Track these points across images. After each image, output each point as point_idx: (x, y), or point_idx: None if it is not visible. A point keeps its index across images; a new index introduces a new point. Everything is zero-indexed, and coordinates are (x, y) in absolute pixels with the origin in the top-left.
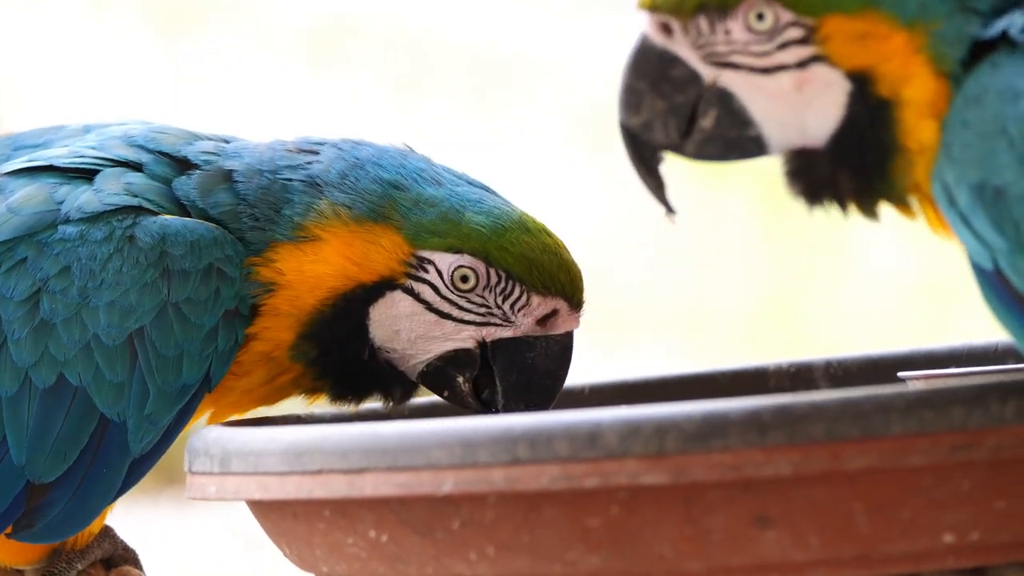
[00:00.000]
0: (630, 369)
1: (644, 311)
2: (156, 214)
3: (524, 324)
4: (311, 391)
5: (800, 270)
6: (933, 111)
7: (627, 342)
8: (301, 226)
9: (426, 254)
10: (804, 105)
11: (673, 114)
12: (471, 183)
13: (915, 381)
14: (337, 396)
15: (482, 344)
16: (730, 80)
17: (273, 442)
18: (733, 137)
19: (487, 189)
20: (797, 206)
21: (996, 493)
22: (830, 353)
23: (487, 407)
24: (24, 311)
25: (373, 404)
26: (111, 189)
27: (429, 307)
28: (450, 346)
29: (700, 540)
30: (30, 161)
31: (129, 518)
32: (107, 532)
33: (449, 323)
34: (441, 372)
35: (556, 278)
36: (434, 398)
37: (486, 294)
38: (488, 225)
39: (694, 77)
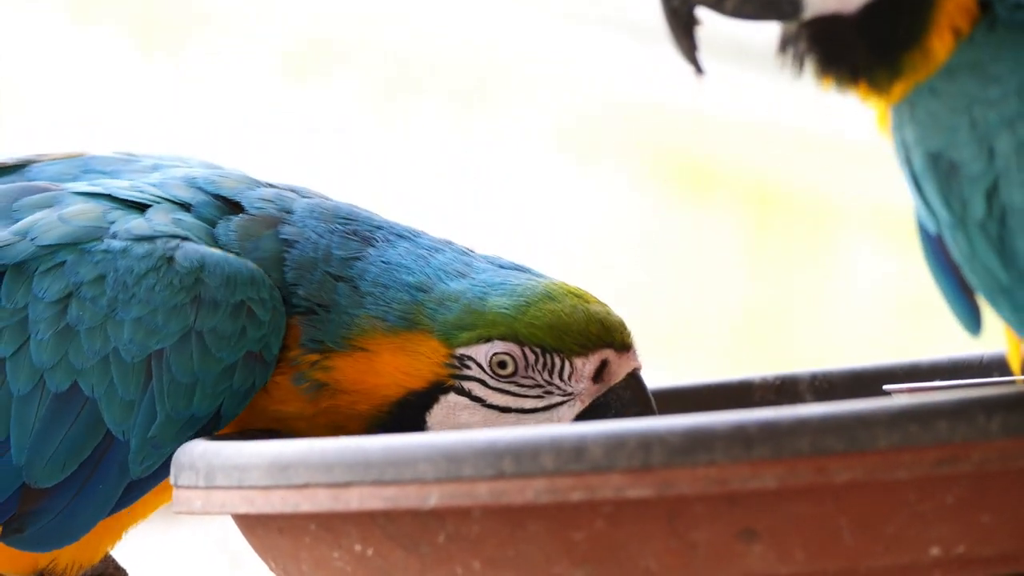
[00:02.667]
0: None
1: (630, 323)
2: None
3: (581, 389)
4: None
5: (785, 284)
6: (960, 23)
7: None
8: (348, 338)
9: (462, 351)
10: None
11: None
12: (501, 266)
13: (900, 394)
14: None
15: None
16: None
17: (258, 456)
18: None
19: (517, 267)
20: (782, 222)
21: (982, 507)
22: (815, 366)
23: None
24: (52, 313)
25: None
26: (161, 220)
27: (484, 403)
28: None
29: (685, 554)
30: (92, 186)
31: None
32: None
33: (510, 415)
34: None
35: (589, 334)
36: None
37: (531, 373)
38: (511, 305)
39: None
